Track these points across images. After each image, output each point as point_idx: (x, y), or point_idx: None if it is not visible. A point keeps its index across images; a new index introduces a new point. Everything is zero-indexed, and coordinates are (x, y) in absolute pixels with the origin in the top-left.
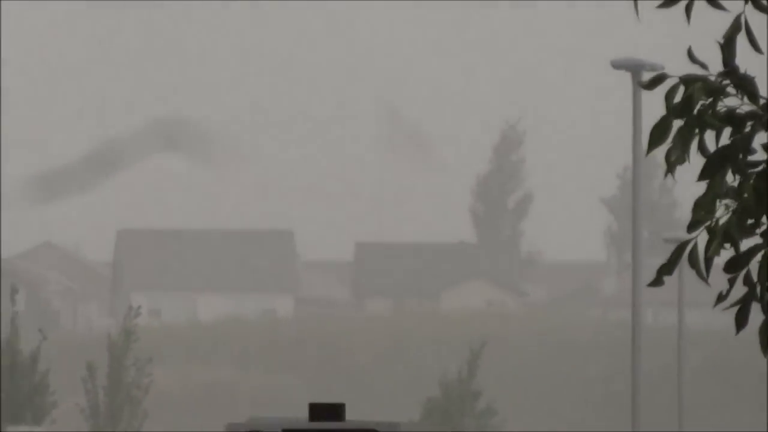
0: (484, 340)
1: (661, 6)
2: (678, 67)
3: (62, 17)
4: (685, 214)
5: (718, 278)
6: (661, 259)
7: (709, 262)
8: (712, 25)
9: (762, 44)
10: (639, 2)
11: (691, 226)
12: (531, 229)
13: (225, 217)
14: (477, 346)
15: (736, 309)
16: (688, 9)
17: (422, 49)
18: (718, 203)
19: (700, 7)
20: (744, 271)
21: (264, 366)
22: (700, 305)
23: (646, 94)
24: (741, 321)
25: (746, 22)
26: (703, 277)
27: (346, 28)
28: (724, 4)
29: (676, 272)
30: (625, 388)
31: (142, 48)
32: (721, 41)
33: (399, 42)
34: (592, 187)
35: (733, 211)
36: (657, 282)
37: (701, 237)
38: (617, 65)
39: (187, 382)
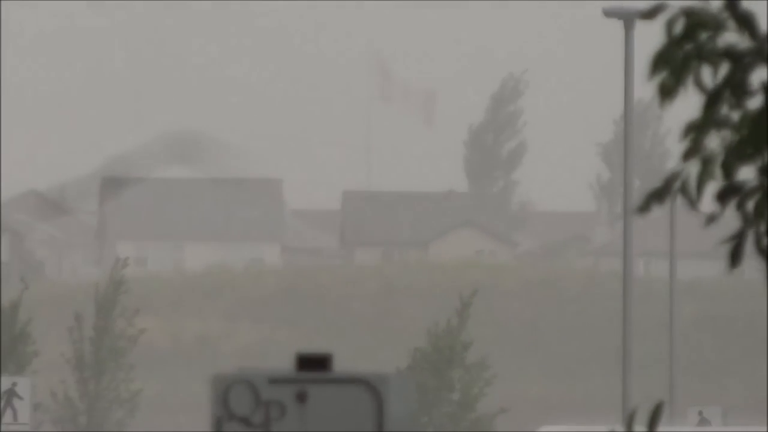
0: (475, 289)
1: None
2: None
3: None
4: (676, 163)
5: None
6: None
7: (701, 188)
8: None
9: None
10: None
11: (686, 155)
12: (523, 179)
13: (212, 164)
14: (467, 295)
15: (727, 256)
16: None
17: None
18: (713, 132)
19: None
20: (737, 201)
21: (251, 316)
22: (691, 256)
23: (638, 43)
24: (736, 257)
25: None
26: (694, 205)
27: None
28: None
29: (667, 219)
30: (616, 337)
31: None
32: None
33: None
34: (586, 137)
35: (730, 142)
36: (645, 207)
37: (694, 169)
38: (609, 13)
39: (173, 331)
